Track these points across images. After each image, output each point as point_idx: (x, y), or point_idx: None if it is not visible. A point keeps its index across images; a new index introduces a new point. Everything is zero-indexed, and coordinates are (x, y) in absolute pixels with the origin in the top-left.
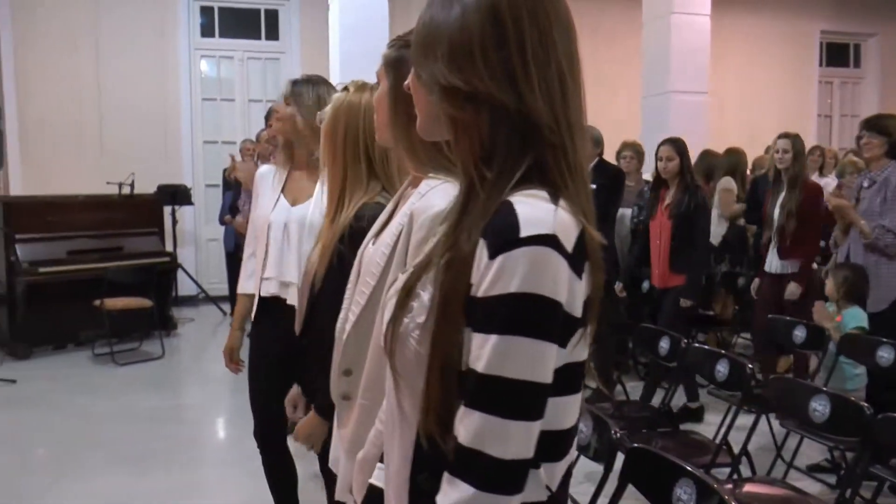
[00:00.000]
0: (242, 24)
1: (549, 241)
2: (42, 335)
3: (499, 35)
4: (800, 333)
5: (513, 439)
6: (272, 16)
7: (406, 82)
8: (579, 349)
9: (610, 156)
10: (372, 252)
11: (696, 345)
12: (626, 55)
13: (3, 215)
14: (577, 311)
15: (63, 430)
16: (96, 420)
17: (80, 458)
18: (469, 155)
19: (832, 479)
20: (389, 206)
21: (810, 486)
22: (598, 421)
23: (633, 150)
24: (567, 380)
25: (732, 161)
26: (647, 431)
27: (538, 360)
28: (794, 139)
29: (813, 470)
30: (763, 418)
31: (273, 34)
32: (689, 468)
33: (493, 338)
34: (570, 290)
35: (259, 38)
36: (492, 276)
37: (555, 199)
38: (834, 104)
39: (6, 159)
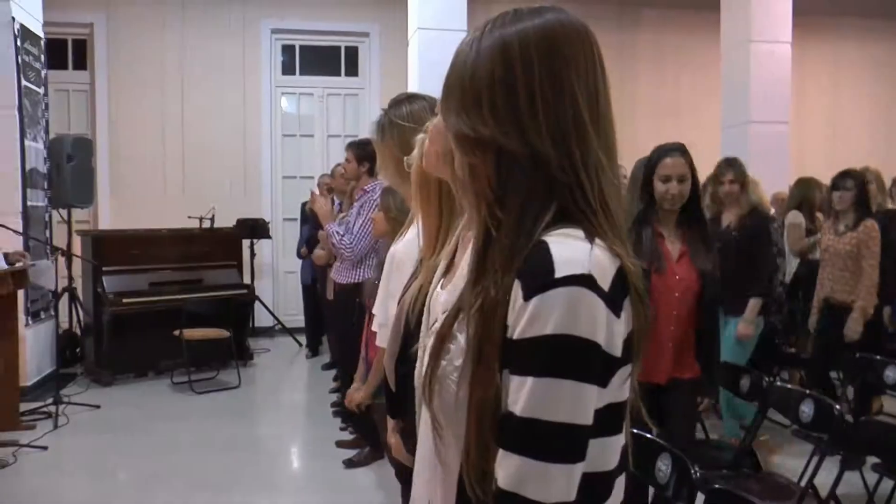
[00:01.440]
0: (323, 62)
1: (585, 281)
2: (124, 363)
3: (507, 79)
4: (891, 374)
5: (554, 482)
6: (352, 52)
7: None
8: (622, 389)
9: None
10: (444, 300)
11: (779, 383)
12: (709, 85)
13: (92, 249)
14: (617, 351)
15: (143, 456)
16: (175, 447)
17: (161, 483)
18: (482, 197)
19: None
20: (450, 248)
21: None
22: (677, 460)
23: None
24: (608, 420)
25: (801, 193)
26: (727, 472)
27: (577, 401)
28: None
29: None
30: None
31: (353, 70)
32: None
33: (530, 380)
34: (608, 329)
35: (339, 74)
36: (527, 317)
37: (591, 237)
38: None
39: (97, 196)
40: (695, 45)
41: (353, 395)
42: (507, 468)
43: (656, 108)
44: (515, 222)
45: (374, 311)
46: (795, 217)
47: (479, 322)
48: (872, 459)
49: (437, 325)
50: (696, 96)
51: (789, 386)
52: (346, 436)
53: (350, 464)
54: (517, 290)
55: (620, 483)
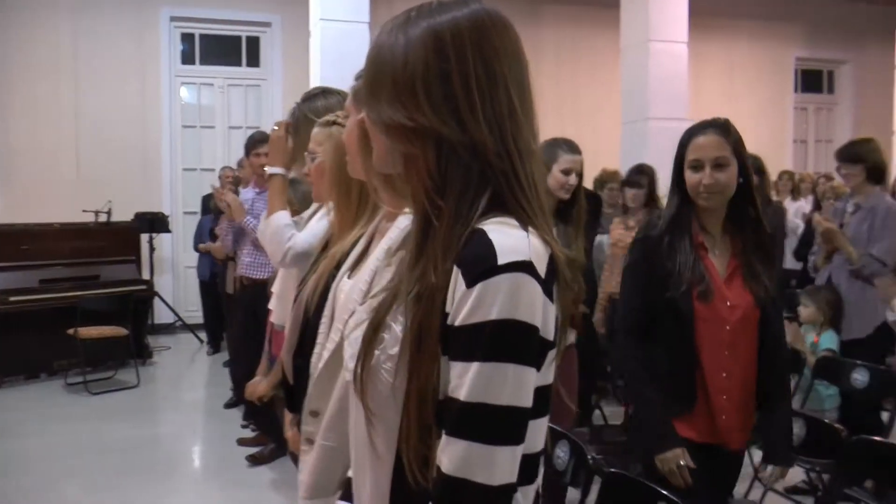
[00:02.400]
0: (223, 51)
1: (526, 267)
2: (14, 365)
3: (442, 69)
4: None
5: (499, 465)
6: (253, 43)
7: (359, 116)
8: (550, 371)
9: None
10: (349, 288)
11: None
12: (607, 81)
13: None
14: (550, 335)
15: (39, 460)
16: (72, 449)
17: (55, 488)
18: (420, 187)
19: (810, 501)
20: (364, 241)
21: None
22: (575, 446)
23: (617, 181)
24: (539, 403)
25: None
26: (625, 456)
27: (520, 384)
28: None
29: (791, 492)
30: None
31: (254, 61)
32: (664, 492)
33: (475, 365)
34: (544, 314)
35: (240, 64)
36: (471, 304)
37: (524, 225)
38: (809, 129)
39: None
40: (595, 42)
41: (255, 388)
42: (453, 454)
43: (558, 103)
44: (454, 209)
45: (270, 305)
46: None
47: (418, 309)
48: None
49: (358, 316)
50: (597, 92)
51: None
52: (249, 433)
53: (254, 461)
54: (457, 277)
55: (541, 464)
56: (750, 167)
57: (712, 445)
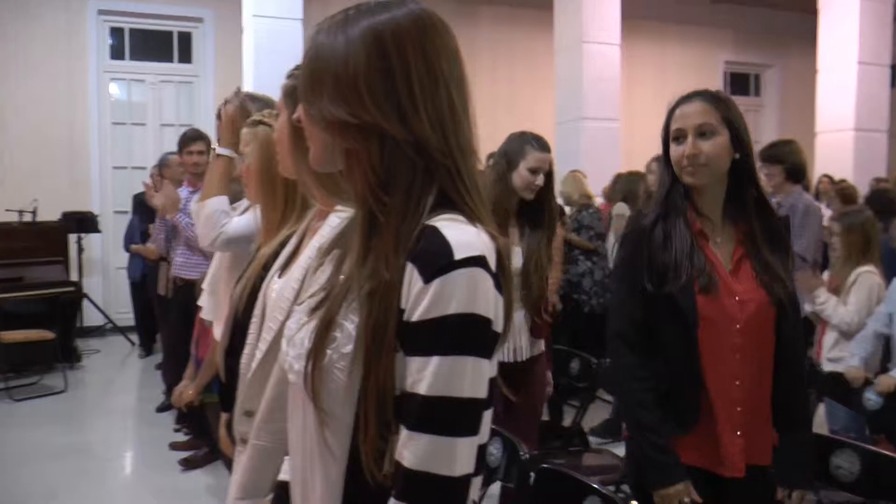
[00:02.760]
0: (155, 47)
1: (480, 262)
2: None
3: (384, 66)
4: None
5: (460, 456)
6: (185, 38)
7: (295, 115)
8: (495, 363)
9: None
10: (280, 287)
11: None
12: (542, 81)
13: None
14: (500, 327)
15: None
16: None
17: None
18: (364, 183)
19: None
20: (295, 240)
21: None
22: (507, 442)
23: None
24: (489, 393)
25: (625, 186)
26: (558, 451)
27: (478, 376)
28: None
29: None
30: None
31: (186, 57)
32: (595, 486)
33: (435, 359)
34: (496, 306)
35: (172, 60)
36: (429, 299)
37: (472, 221)
38: None
39: None
40: (530, 43)
41: (183, 393)
42: (415, 448)
43: (493, 102)
44: (402, 206)
45: (200, 301)
46: (622, 209)
47: (371, 306)
48: None
49: (300, 315)
50: (531, 92)
51: None
52: (182, 437)
53: (187, 465)
54: (413, 274)
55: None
56: (750, 144)
57: (714, 475)
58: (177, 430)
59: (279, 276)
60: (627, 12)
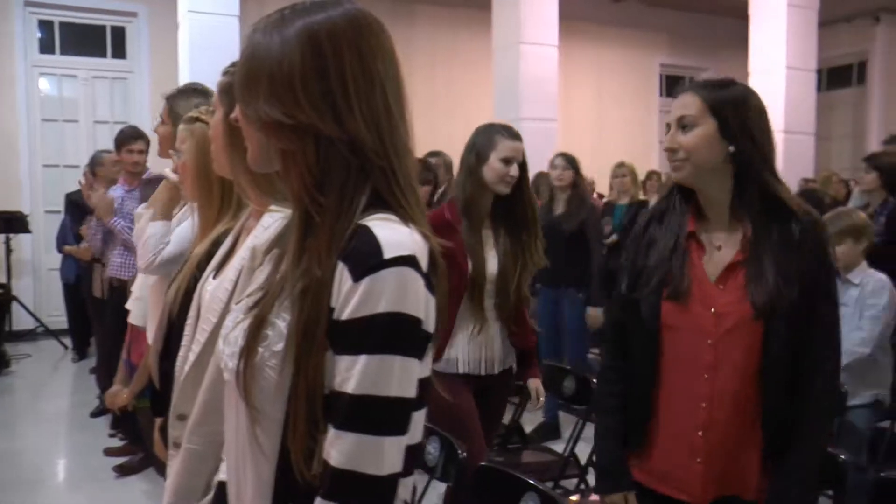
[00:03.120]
0: (86, 41)
1: (410, 261)
2: None
3: (319, 66)
4: None
5: (387, 455)
6: (119, 33)
7: (233, 115)
8: (428, 363)
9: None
10: (214, 288)
11: (547, 362)
12: (480, 81)
13: None
14: (431, 327)
15: None
16: None
17: None
18: (300, 183)
19: None
20: (230, 239)
21: None
22: (445, 441)
23: None
24: (420, 394)
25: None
26: (496, 449)
27: (406, 376)
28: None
29: None
30: None
31: (120, 52)
32: (532, 482)
33: (363, 358)
34: (426, 307)
35: (105, 55)
36: (358, 298)
37: (406, 221)
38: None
39: None
40: (467, 43)
41: (116, 398)
42: (342, 447)
43: (431, 101)
44: (336, 205)
45: (128, 305)
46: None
47: (303, 304)
48: None
49: (235, 314)
50: (470, 92)
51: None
52: (116, 442)
53: (122, 471)
54: (343, 273)
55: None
56: (755, 134)
57: (675, 501)
58: (112, 436)
59: (213, 277)
60: (565, 14)
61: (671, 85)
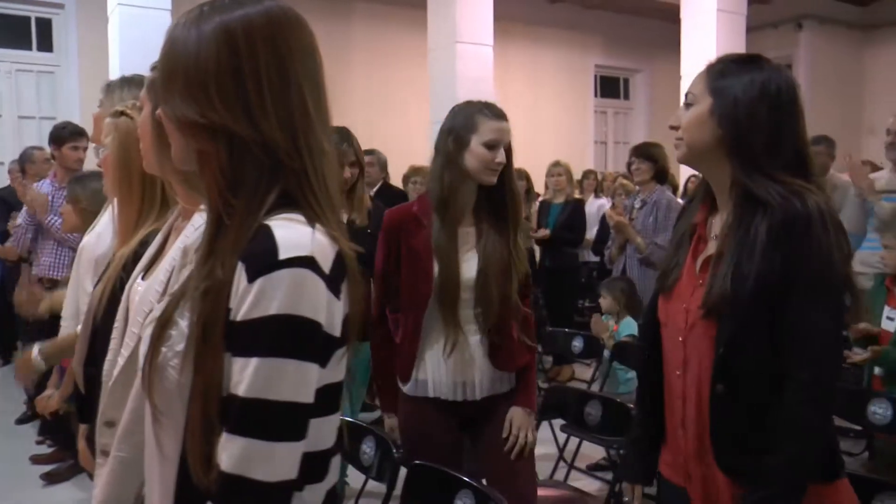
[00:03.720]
0: (10, 33)
1: (308, 262)
2: None
3: (234, 66)
4: (577, 344)
5: (278, 462)
6: (45, 25)
7: (158, 111)
8: (339, 369)
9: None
10: (144, 290)
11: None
12: (417, 80)
13: None
14: (336, 331)
15: None
16: None
17: None
18: (213, 184)
19: (610, 476)
20: (158, 240)
21: (589, 484)
22: (380, 441)
23: (423, 176)
24: (327, 400)
25: None
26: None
27: (300, 380)
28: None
29: (593, 469)
30: (546, 424)
31: (46, 45)
32: (467, 479)
33: (255, 360)
34: (328, 310)
35: (30, 48)
36: (251, 299)
37: (311, 222)
38: (608, 132)
39: None
40: (404, 41)
41: (47, 403)
42: (232, 451)
43: (368, 99)
44: (245, 207)
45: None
46: None
47: (203, 305)
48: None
49: (155, 313)
50: (407, 90)
51: None
52: (44, 449)
53: (50, 479)
54: (241, 273)
55: (336, 462)
56: (741, 119)
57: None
58: (40, 443)
59: (143, 279)
60: (500, 14)
61: (606, 86)
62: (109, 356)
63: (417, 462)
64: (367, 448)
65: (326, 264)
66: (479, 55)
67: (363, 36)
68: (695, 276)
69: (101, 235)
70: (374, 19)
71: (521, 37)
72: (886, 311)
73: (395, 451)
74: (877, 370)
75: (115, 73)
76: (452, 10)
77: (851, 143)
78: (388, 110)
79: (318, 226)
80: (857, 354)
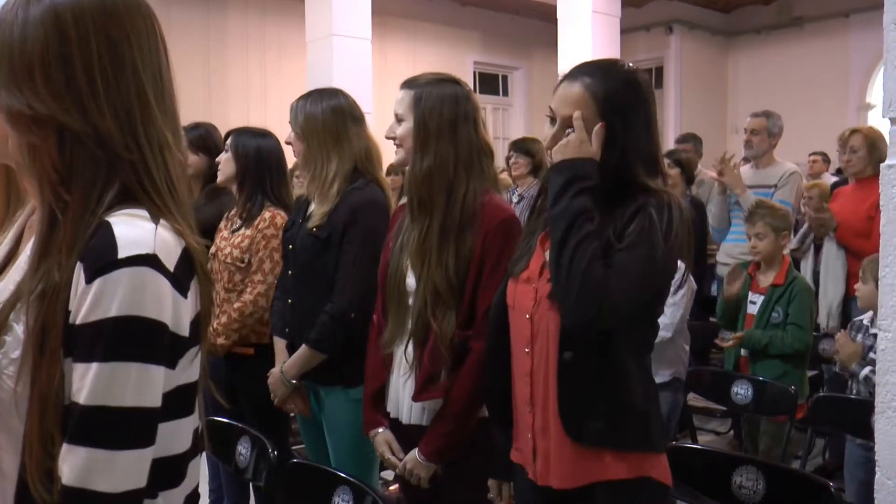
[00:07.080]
0: None
1: (149, 260)
2: None
3: (63, 53)
4: None
5: (123, 471)
6: None
7: None
8: (191, 369)
9: None
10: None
11: None
12: (294, 72)
13: None
14: (185, 331)
15: None
16: None
17: None
18: (45, 179)
19: None
20: (10, 238)
21: None
22: (255, 441)
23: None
24: (179, 402)
25: None
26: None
27: (145, 384)
28: None
29: None
30: None
31: None
32: (343, 475)
33: (95, 366)
34: (174, 309)
35: None
36: (90, 300)
37: (155, 218)
38: (489, 127)
39: None
40: (282, 33)
41: None
42: (73, 462)
43: (244, 90)
44: (81, 203)
45: None
46: None
47: (40, 308)
48: None
49: None
50: (285, 82)
51: None
52: None
53: None
54: (80, 273)
55: (195, 466)
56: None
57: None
58: None
59: None
60: (379, 8)
61: (484, 82)
62: None
63: (296, 461)
64: (243, 449)
65: (171, 262)
66: (356, 48)
67: (239, 26)
68: (543, 259)
69: None
70: (250, 10)
71: (399, 31)
72: (750, 296)
73: (271, 451)
74: (743, 352)
75: None
76: (329, 3)
77: (717, 141)
78: (267, 102)
79: (162, 221)
80: (725, 341)
